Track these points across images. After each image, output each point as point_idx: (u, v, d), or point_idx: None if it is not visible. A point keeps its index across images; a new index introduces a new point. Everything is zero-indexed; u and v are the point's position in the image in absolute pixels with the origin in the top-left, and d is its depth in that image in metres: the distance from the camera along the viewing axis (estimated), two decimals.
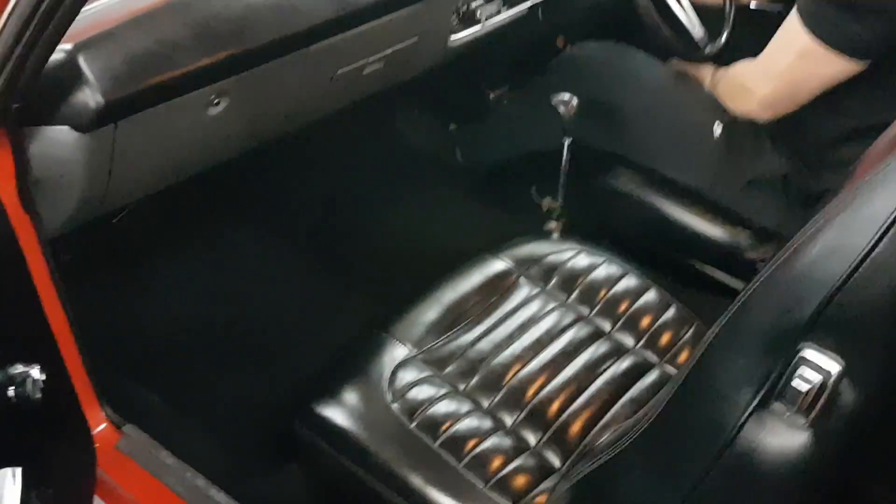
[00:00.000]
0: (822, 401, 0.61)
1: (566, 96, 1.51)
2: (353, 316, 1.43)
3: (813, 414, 0.62)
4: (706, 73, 1.55)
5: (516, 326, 1.21)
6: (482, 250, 1.34)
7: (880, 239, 0.56)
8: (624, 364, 1.19)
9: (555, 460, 1.06)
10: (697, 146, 1.52)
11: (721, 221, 1.53)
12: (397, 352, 1.15)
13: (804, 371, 0.61)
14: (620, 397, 1.14)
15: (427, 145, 2.03)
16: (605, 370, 1.17)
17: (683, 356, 1.22)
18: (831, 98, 1.34)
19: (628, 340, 1.23)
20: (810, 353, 0.61)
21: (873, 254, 0.56)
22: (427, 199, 1.88)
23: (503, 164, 1.87)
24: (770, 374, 0.63)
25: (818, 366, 0.61)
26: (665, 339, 1.24)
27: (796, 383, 0.62)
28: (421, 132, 2.05)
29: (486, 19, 1.58)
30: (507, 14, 1.63)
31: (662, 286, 1.30)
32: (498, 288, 1.28)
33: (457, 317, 1.22)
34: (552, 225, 1.63)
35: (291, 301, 1.59)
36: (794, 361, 0.62)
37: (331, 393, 1.10)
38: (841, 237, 0.59)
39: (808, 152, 1.42)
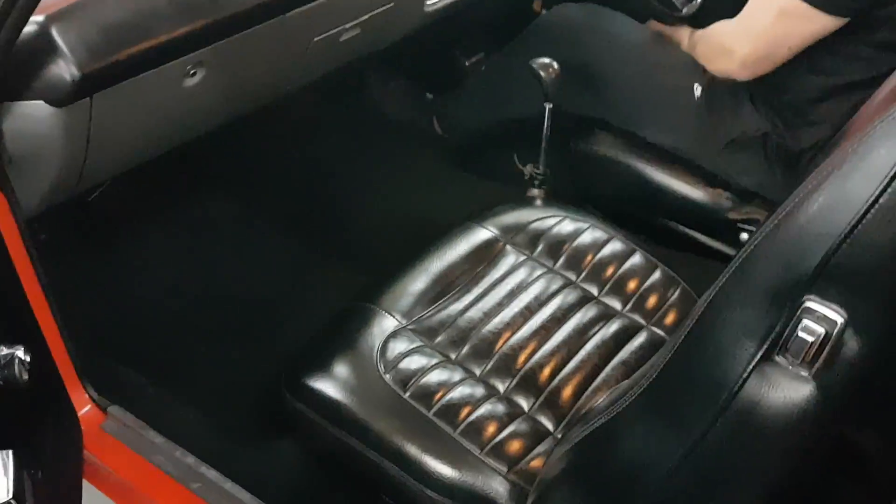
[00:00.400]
0: (825, 353, 0.62)
1: (547, 61, 1.50)
2: (337, 288, 1.42)
3: (816, 366, 0.62)
4: (684, 34, 1.54)
5: (505, 294, 1.21)
6: (466, 219, 1.34)
7: (886, 188, 0.56)
8: (612, 327, 1.19)
9: (548, 424, 1.07)
10: (677, 108, 1.52)
11: (702, 183, 1.54)
12: (387, 323, 1.14)
13: (808, 323, 0.62)
14: (610, 360, 1.15)
15: (405, 115, 2.01)
16: (594, 334, 1.17)
17: (670, 318, 1.23)
18: (810, 56, 1.34)
19: (615, 304, 1.23)
20: (814, 306, 0.61)
21: (878, 203, 0.56)
22: (408, 168, 1.86)
23: (483, 132, 1.85)
24: (773, 327, 0.63)
25: (822, 317, 0.61)
26: (651, 301, 1.24)
27: (800, 336, 0.62)
28: (398, 102, 2.03)
29: None
30: None
31: (646, 250, 1.31)
32: (485, 256, 1.27)
33: (445, 286, 1.21)
34: (535, 192, 1.63)
35: (274, 274, 1.57)
36: (797, 314, 0.62)
37: (321, 366, 1.09)
38: (844, 188, 0.58)
39: (788, 111, 1.42)
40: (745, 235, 1.50)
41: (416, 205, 1.76)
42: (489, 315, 1.18)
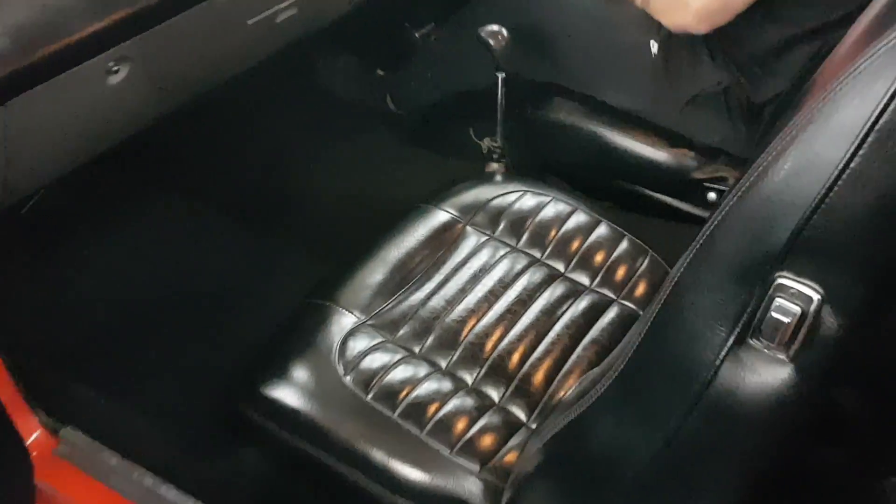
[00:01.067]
0: (802, 333, 0.57)
1: (495, 28, 1.43)
2: (295, 278, 1.35)
3: (794, 347, 0.57)
4: None
5: (468, 278, 1.15)
6: (423, 201, 1.28)
7: (857, 149, 0.50)
8: (581, 304, 1.14)
9: (520, 414, 1.01)
10: (635, 67, 1.47)
11: (664, 144, 1.49)
12: (344, 321, 1.08)
13: (781, 302, 0.56)
14: (581, 340, 1.10)
15: (356, 94, 1.94)
16: (562, 313, 1.12)
17: (640, 289, 1.18)
18: (767, 5, 1.29)
19: (583, 279, 1.18)
20: (787, 282, 0.56)
21: (850, 167, 0.51)
22: (363, 149, 1.79)
23: (437, 106, 1.79)
24: (744, 309, 0.58)
25: (796, 295, 0.56)
26: (620, 273, 1.20)
27: (773, 317, 0.57)
28: (349, 80, 1.95)
29: None
30: None
31: (612, 219, 1.26)
32: (444, 240, 1.21)
33: (404, 276, 1.15)
34: (494, 166, 1.57)
35: (228, 270, 1.50)
36: (769, 293, 0.57)
37: (277, 372, 1.03)
38: (812, 153, 0.53)
39: (747, 63, 1.37)
40: (712, 195, 1.45)
41: (373, 186, 1.69)
42: (452, 303, 1.12)
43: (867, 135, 0.50)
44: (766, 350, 0.58)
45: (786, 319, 0.56)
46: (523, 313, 1.11)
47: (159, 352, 1.34)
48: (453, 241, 1.21)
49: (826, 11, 1.28)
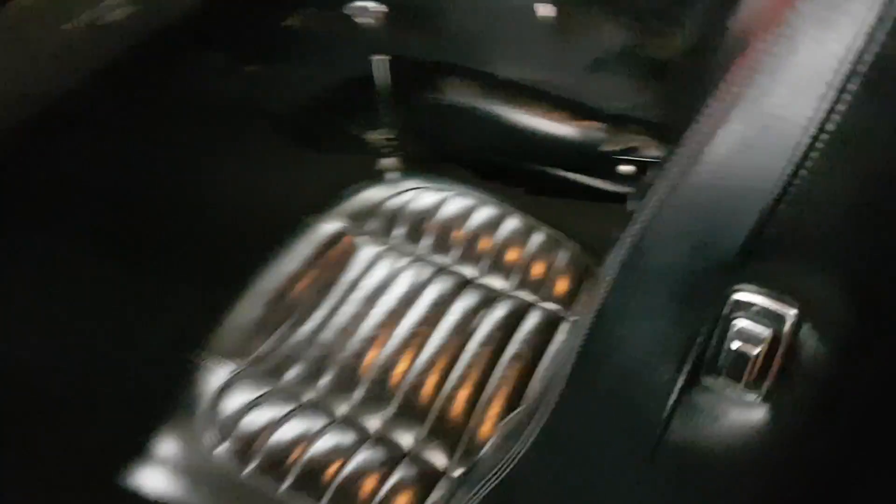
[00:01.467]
0: (775, 364, 0.41)
1: (365, 5, 1.26)
2: (174, 327, 1.15)
3: (766, 384, 0.42)
4: None
5: (363, 300, 0.98)
6: (304, 213, 1.10)
7: (834, 102, 0.35)
8: (498, 314, 0.98)
9: (439, 461, 0.85)
10: (526, 35, 1.31)
11: (567, 116, 1.34)
12: (217, 373, 0.89)
13: (743, 326, 0.41)
14: (502, 356, 0.94)
15: (228, 95, 1.73)
16: (476, 328, 0.96)
17: (561, 286, 1.03)
18: None
19: (498, 283, 1.02)
20: (749, 299, 0.40)
21: (826, 128, 0.35)
22: (242, 158, 1.59)
23: (318, 100, 1.61)
24: (694, 339, 0.43)
25: (762, 313, 0.40)
26: (537, 270, 1.04)
27: (733, 346, 0.41)
28: (218, 81, 1.74)
29: None
30: None
31: (523, 207, 1.10)
32: (332, 257, 1.04)
33: (288, 307, 0.97)
34: (387, 162, 1.40)
35: (93, 324, 1.28)
36: (725, 315, 0.41)
37: (135, 457, 0.83)
38: (767, 113, 0.37)
39: (653, 15, 1.23)
40: (626, 167, 1.31)
41: (257, 200, 1.50)
42: (346, 332, 0.94)
43: (846, 80, 0.34)
44: (726, 390, 0.43)
45: (751, 348, 0.41)
46: (431, 334, 0.95)
47: (8, 441, 1.11)
48: (343, 256, 1.04)
49: None
